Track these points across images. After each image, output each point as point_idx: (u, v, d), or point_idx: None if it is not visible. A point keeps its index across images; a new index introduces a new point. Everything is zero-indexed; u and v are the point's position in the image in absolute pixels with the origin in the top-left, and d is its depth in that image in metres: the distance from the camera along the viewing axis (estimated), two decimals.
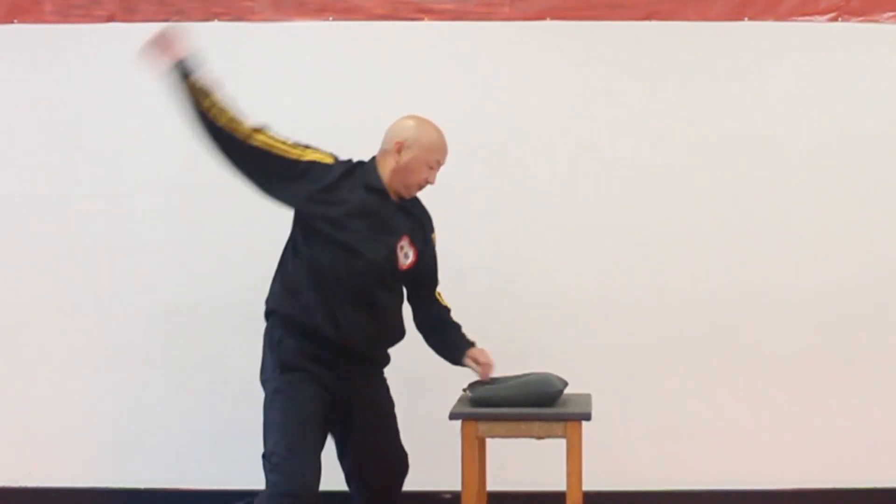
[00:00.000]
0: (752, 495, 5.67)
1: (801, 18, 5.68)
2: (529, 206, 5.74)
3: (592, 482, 4.70)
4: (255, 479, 5.56)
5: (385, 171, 4.59)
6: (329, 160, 4.58)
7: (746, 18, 5.69)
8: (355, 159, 4.65)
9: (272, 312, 4.61)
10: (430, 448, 4.94)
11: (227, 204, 5.74)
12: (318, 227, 4.49)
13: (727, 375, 5.67)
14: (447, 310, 4.81)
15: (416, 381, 5.31)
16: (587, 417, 4.45)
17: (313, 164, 4.54)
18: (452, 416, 4.48)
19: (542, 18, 5.75)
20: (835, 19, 5.68)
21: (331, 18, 5.79)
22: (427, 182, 4.63)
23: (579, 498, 4.43)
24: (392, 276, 4.61)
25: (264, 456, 4.41)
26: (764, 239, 5.68)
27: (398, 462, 4.71)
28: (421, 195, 4.74)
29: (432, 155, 4.59)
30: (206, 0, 5.79)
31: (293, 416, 4.41)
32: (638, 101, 5.73)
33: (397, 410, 4.71)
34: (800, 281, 5.67)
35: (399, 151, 4.55)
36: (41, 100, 5.82)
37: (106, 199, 5.81)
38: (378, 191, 4.58)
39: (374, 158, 4.64)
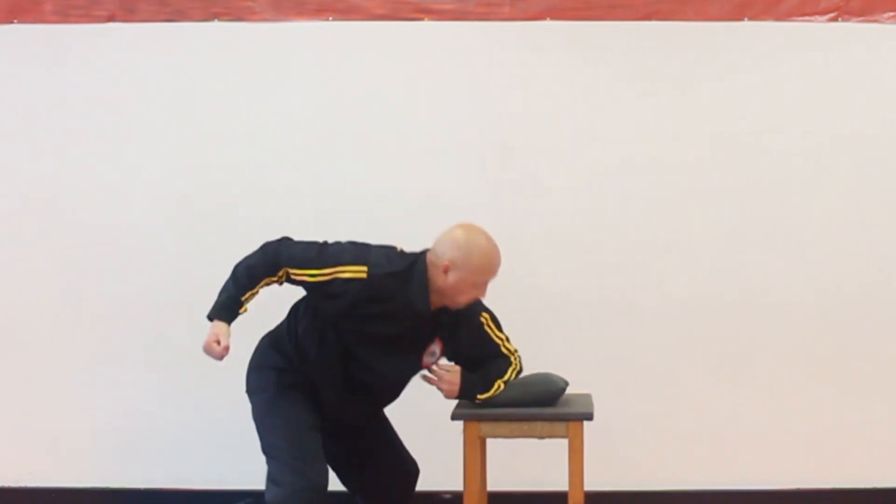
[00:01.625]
0: (752, 495, 5.67)
1: (801, 18, 5.69)
2: (529, 206, 5.74)
3: (593, 482, 4.70)
4: (255, 479, 5.56)
5: (433, 283, 4.34)
6: (361, 274, 4.30)
7: (746, 18, 5.69)
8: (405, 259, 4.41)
9: (278, 346, 4.58)
10: (432, 448, 4.93)
11: (228, 204, 5.75)
12: (344, 331, 4.40)
13: (728, 375, 5.67)
14: (507, 362, 4.63)
15: (417, 381, 5.30)
16: (589, 417, 4.45)
17: (333, 284, 4.33)
18: (455, 417, 4.49)
19: (542, 18, 5.75)
20: (835, 19, 5.68)
21: (331, 18, 5.78)
22: (471, 300, 4.42)
23: (581, 497, 4.43)
24: (412, 375, 4.59)
25: (268, 455, 4.41)
26: (764, 239, 5.68)
27: (411, 465, 4.75)
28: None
29: (480, 277, 4.35)
30: (206, 0, 5.78)
31: (297, 421, 4.41)
32: (638, 101, 5.73)
33: (399, 411, 4.72)
34: (800, 281, 5.67)
35: (446, 272, 4.30)
36: (41, 100, 5.82)
37: (106, 199, 5.80)
38: (423, 314, 4.36)
39: (425, 266, 4.35)
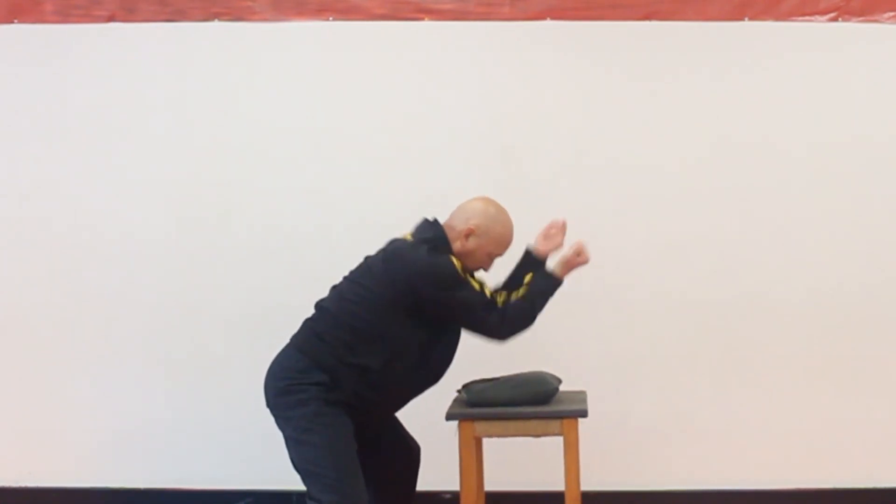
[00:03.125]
0: (752, 495, 5.66)
1: (801, 18, 5.68)
2: (529, 205, 5.71)
3: (590, 482, 4.71)
4: (255, 479, 5.60)
5: (452, 247, 4.54)
6: (458, 262, 4.50)
7: (746, 18, 5.69)
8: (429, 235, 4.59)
9: (321, 367, 4.46)
10: (429, 449, 4.93)
11: (228, 204, 5.76)
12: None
13: (727, 375, 5.67)
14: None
15: None
16: (583, 414, 4.46)
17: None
18: (449, 417, 4.50)
19: (543, 18, 5.75)
20: (835, 19, 5.67)
21: (331, 18, 5.79)
22: (483, 269, 4.63)
23: (577, 494, 4.44)
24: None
25: (308, 471, 4.36)
26: (764, 239, 5.67)
27: (413, 445, 4.77)
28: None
29: (497, 248, 4.59)
30: (206, 0, 5.79)
31: (339, 439, 4.37)
32: (638, 101, 5.73)
33: (400, 412, 4.72)
34: (800, 281, 5.67)
35: (467, 237, 4.53)
36: (41, 99, 5.83)
37: (106, 199, 5.81)
38: None
39: (442, 231, 4.57)
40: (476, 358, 5.23)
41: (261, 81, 5.80)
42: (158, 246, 5.81)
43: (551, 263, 4.72)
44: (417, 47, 5.80)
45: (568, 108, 5.76)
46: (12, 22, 5.83)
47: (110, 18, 5.81)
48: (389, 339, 4.40)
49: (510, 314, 4.47)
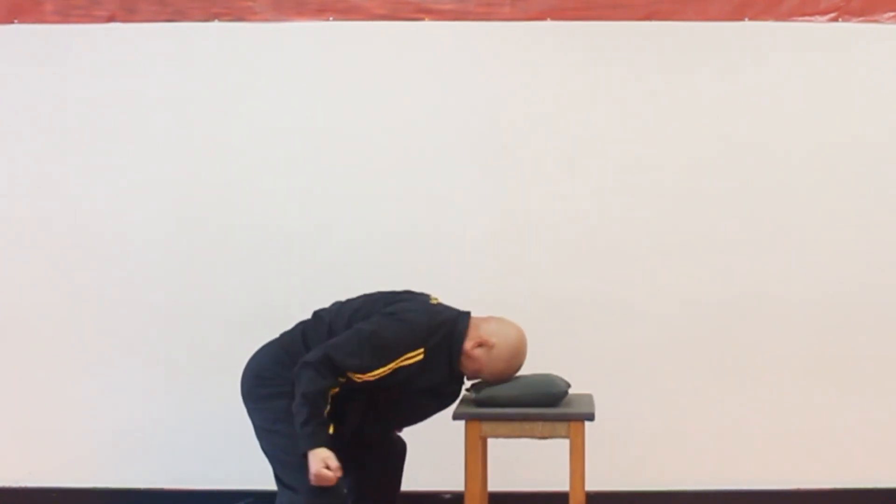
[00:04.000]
0: (752, 495, 5.66)
1: (801, 18, 5.69)
2: (529, 206, 5.74)
3: (594, 482, 4.70)
4: (255, 479, 5.58)
5: (459, 348, 4.48)
6: (419, 356, 4.39)
7: (747, 18, 5.70)
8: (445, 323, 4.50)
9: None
10: (433, 448, 4.94)
11: (228, 204, 5.75)
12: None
13: (728, 376, 5.67)
14: None
15: None
16: (590, 417, 4.45)
17: (399, 370, 4.38)
18: (456, 417, 4.48)
19: (543, 18, 5.75)
20: (835, 19, 5.68)
21: (331, 18, 5.78)
22: (464, 378, 4.60)
23: (582, 498, 4.43)
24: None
25: (281, 460, 4.40)
26: (764, 239, 5.68)
27: (399, 444, 4.76)
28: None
29: (489, 375, 4.53)
30: (206, 0, 5.78)
31: None
32: (638, 102, 5.73)
33: None
34: (800, 281, 5.67)
35: (479, 345, 4.47)
36: (41, 99, 5.81)
37: (106, 199, 5.80)
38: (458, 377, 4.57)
39: (461, 329, 4.49)
40: None
41: (261, 81, 5.80)
42: (158, 246, 5.80)
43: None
44: (417, 47, 5.80)
45: (568, 108, 5.76)
46: (12, 22, 5.81)
47: (110, 18, 5.80)
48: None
49: (307, 376, 4.26)
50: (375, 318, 4.41)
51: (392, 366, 4.33)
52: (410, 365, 4.36)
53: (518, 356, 4.53)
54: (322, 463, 4.21)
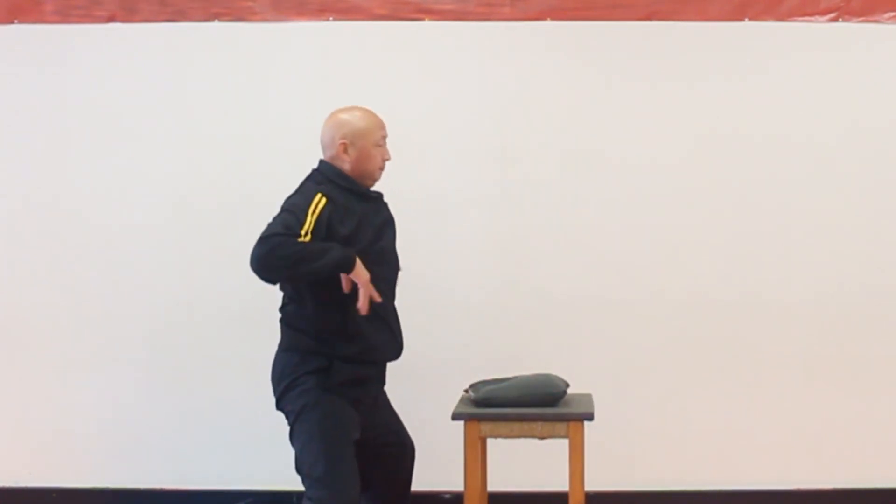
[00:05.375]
0: (752, 495, 5.67)
1: (801, 18, 5.69)
2: (529, 206, 5.74)
3: (593, 482, 4.71)
4: (255, 479, 5.60)
5: (345, 170, 4.58)
6: (321, 200, 4.46)
7: (747, 18, 5.70)
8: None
9: (303, 350, 4.51)
10: (432, 448, 4.93)
11: (228, 205, 5.75)
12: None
13: (728, 376, 5.67)
14: None
15: (418, 381, 5.32)
16: (590, 417, 4.46)
17: (319, 220, 4.41)
18: (455, 417, 4.49)
19: (542, 18, 5.75)
20: (835, 19, 5.68)
21: (331, 18, 5.79)
22: (384, 160, 4.64)
23: (582, 498, 4.44)
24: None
25: (300, 469, 4.41)
26: (764, 239, 5.68)
27: (408, 443, 4.75)
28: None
29: (375, 135, 4.61)
30: (206, 0, 5.79)
31: (333, 432, 4.40)
32: (638, 101, 5.73)
33: (399, 411, 4.72)
34: (800, 281, 5.68)
35: (346, 151, 4.56)
36: (41, 100, 5.82)
37: (105, 199, 5.80)
38: (361, 193, 4.60)
39: (327, 164, 4.61)
40: (483, 358, 5.25)
41: (261, 81, 5.80)
42: (158, 246, 5.80)
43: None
44: (417, 47, 5.80)
45: (568, 108, 5.76)
46: (12, 22, 5.82)
47: (110, 18, 5.80)
48: (324, 290, 4.44)
49: (276, 242, 4.34)
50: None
51: (310, 218, 4.36)
52: (323, 211, 4.40)
53: (350, 112, 4.65)
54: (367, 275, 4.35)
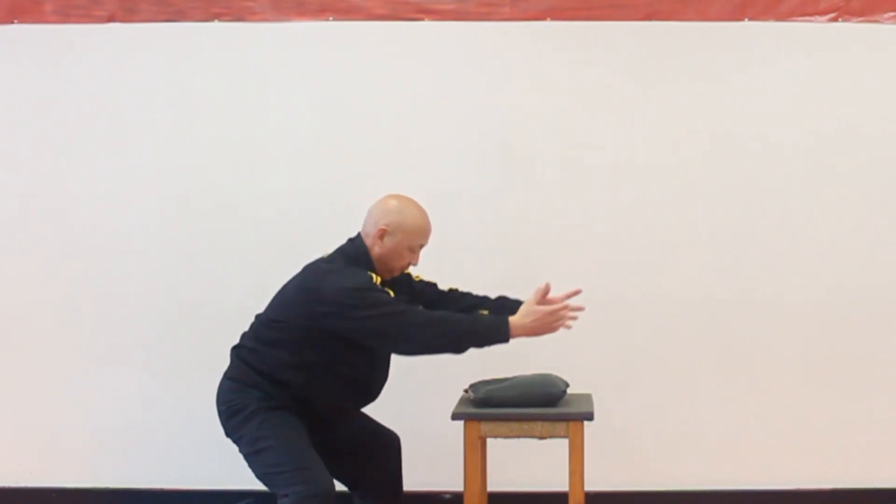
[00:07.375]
0: (752, 495, 5.67)
1: (801, 19, 5.69)
2: (529, 206, 5.74)
3: (594, 482, 4.71)
4: (254, 479, 5.57)
5: (371, 253, 4.56)
6: (376, 277, 4.51)
7: (747, 19, 5.70)
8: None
9: (250, 385, 4.54)
10: (431, 448, 4.94)
11: (227, 204, 5.75)
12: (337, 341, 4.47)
13: (728, 376, 5.68)
14: (469, 293, 4.82)
15: (418, 381, 5.31)
16: (590, 417, 4.46)
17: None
18: (455, 417, 4.49)
19: (543, 18, 5.75)
20: (835, 19, 5.69)
21: (331, 18, 5.79)
22: (410, 265, 4.62)
23: (581, 497, 4.44)
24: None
25: (269, 480, 4.43)
26: (764, 239, 5.68)
27: (393, 437, 4.76)
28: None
29: (415, 240, 4.56)
30: (206, 0, 5.79)
31: (290, 432, 4.42)
32: (638, 101, 5.73)
33: (399, 411, 4.72)
34: (800, 281, 5.68)
35: (382, 238, 4.52)
36: (41, 100, 5.82)
37: (105, 199, 5.80)
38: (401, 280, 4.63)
39: (360, 242, 4.59)
40: (483, 358, 5.23)
41: (261, 81, 5.80)
42: (159, 246, 5.80)
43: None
44: (417, 47, 5.80)
45: (568, 108, 5.76)
46: (12, 22, 5.82)
47: (110, 18, 5.81)
48: (312, 365, 4.46)
49: (423, 318, 4.35)
50: (330, 278, 4.44)
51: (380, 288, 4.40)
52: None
53: (407, 207, 4.58)
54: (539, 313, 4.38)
